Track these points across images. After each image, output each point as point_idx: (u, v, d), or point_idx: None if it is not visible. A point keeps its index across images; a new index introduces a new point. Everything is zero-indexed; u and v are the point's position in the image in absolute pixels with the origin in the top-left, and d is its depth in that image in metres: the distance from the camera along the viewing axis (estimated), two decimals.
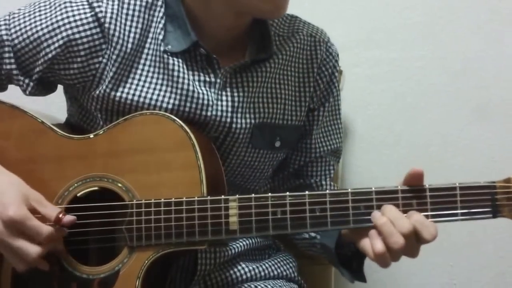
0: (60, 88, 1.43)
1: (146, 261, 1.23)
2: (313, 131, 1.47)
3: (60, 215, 1.23)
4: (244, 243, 1.44)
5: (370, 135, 1.91)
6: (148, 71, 1.33)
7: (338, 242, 1.31)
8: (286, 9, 1.31)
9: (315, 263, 1.68)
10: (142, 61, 1.33)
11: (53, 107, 1.55)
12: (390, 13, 1.88)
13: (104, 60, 1.31)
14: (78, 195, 1.28)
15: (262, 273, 1.44)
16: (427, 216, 1.17)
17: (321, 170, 1.49)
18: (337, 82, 1.49)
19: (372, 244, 1.15)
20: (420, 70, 1.89)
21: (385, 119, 1.91)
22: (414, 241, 1.14)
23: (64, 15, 1.31)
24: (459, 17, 1.85)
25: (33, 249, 1.20)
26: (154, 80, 1.33)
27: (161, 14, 1.34)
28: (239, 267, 1.42)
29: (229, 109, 1.35)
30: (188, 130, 1.26)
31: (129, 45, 1.31)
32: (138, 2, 1.33)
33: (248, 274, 1.42)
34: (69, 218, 1.24)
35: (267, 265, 1.46)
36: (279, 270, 1.47)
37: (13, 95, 1.38)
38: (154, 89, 1.32)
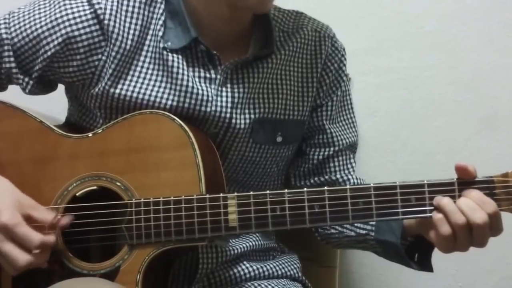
0: (62, 87, 1.44)
1: (147, 257, 1.24)
2: (325, 126, 1.46)
3: (55, 220, 1.24)
4: (247, 244, 1.43)
5: (376, 141, 1.90)
6: (148, 68, 1.33)
7: (403, 236, 1.31)
8: (271, 4, 1.33)
9: (320, 265, 1.68)
10: (141, 58, 1.34)
11: (58, 106, 1.54)
12: (401, 21, 1.88)
13: (104, 58, 1.32)
14: (77, 194, 1.29)
15: (266, 273, 1.44)
16: (425, 211, 1.17)
17: (343, 164, 1.48)
18: (346, 76, 1.48)
19: (438, 226, 1.16)
20: (429, 79, 1.88)
21: (391, 126, 1.90)
22: (487, 230, 1.16)
23: (63, 13, 1.32)
24: (470, 28, 1.85)
25: (22, 257, 1.20)
26: (153, 77, 1.33)
27: (161, 11, 1.35)
28: (243, 266, 1.42)
29: (229, 104, 1.35)
30: (187, 129, 1.26)
31: (129, 42, 1.32)
32: None
33: (252, 274, 1.42)
34: (64, 221, 1.25)
35: (271, 265, 1.46)
36: (283, 270, 1.47)
37: (15, 94, 1.39)
38: (154, 86, 1.33)
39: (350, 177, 1.46)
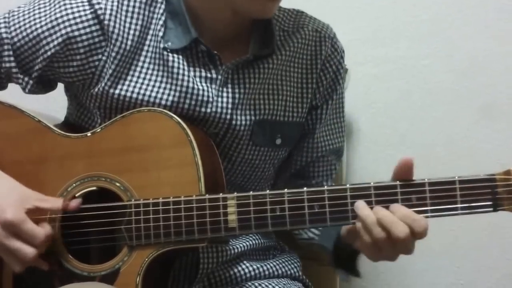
0: (61, 86, 1.43)
1: (146, 259, 1.23)
2: (316, 129, 1.46)
3: (64, 204, 1.26)
4: (247, 243, 1.43)
5: (374, 134, 1.89)
6: (148, 68, 1.33)
7: (337, 244, 1.31)
8: (273, 11, 1.33)
9: (321, 264, 1.67)
10: (142, 58, 1.33)
11: (56, 105, 1.54)
12: (397, 10, 1.86)
13: (104, 58, 1.31)
14: (77, 195, 1.29)
15: (266, 272, 1.43)
16: (426, 211, 1.16)
17: (323, 170, 1.49)
18: (342, 79, 1.47)
19: (360, 235, 1.16)
20: (426, 68, 1.86)
21: (390, 117, 1.89)
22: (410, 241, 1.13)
23: (64, 13, 1.31)
24: (466, 15, 1.83)
25: (30, 250, 1.21)
26: (153, 77, 1.32)
27: (161, 11, 1.34)
28: (243, 266, 1.42)
29: (229, 105, 1.35)
30: (186, 127, 1.25)
31: (129, 42, 1.32)
32: None
33: (252, 273, 1.42)
34: (75, 203, 1.27)
35: (271, 264, 1.45)
36: (283, 270, 1.46)
37: (13, 93, 1.39)
38: (153, 86, 1.32)
39: (325, 183, 1.48)
